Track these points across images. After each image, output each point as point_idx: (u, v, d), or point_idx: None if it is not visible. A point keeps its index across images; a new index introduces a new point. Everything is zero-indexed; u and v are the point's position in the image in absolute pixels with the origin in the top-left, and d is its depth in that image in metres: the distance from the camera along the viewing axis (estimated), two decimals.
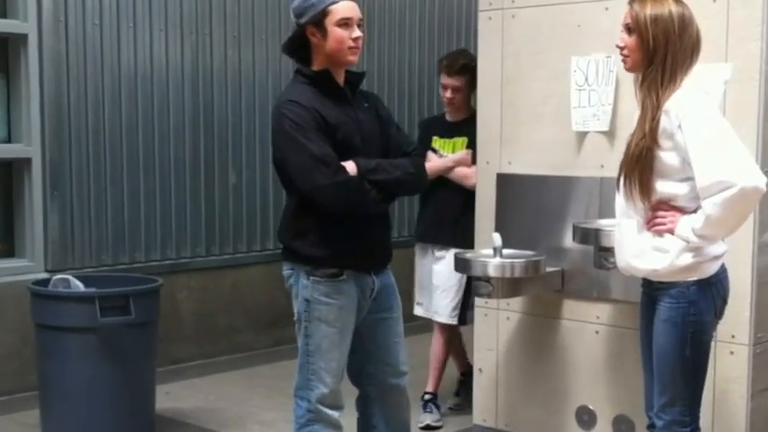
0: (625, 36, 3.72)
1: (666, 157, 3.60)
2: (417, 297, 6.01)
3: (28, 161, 6.44)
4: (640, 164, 3.63)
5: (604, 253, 4.41)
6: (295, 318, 4.19)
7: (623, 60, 3.76)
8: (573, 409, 4.85)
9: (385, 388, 4.34)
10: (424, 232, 5.94)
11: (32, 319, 5.52)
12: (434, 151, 5.76)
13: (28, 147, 6.44)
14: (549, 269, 4.68)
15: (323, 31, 4.03)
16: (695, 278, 3.65)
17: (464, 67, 5.62)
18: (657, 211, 3.68)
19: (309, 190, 3.96)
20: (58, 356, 5.37)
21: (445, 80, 5.70)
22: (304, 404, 4.16)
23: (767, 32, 4.20)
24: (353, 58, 4.11)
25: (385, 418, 4.36)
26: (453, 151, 5.70)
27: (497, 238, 4.56)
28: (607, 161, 4.64)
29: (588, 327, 4.78)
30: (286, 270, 4.19)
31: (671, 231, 3.64)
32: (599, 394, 4.78)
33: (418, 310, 6.00)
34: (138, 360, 5.51)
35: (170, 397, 6.30)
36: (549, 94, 4.70)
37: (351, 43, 4.06)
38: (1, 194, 6.57)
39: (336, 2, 4.03)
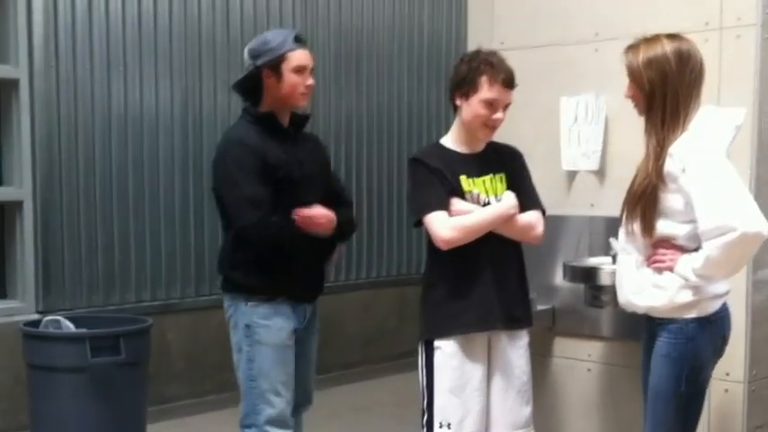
0: (629, 85, 3.65)
1: (670, 199, 3.53)
2: (441, 415, 4.10)
3: (19, 204, 6.40)
4: (642, 201, 3.56)
5: (595, 291, 4.31)
6: (234, 348, 4.24)
7: (635, 108, 3.69)
8: None
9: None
10: (485, 315, 4.07)
11: (24, 360, 5.43)
12: (463, 196, 4.06)
13: (19, 189, 6.41)
14: (540, 307, 4.57)
15: (278, 75, 4.14)
16: (694, 315, 3.55)
17: (514, 74, 4.11)
18: (658, 249, 3.59)
19: (238, 227, 4.08)
20: (49, 396, 5.28)
21: (502, 95, 4.02)
22: (252, 430, 4.20)
23: (760, 69, 4.13)
24: (304, 103, 4.25)
25: None
26: (495, 195, 4.10)
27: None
28: (597, 200, 4.56)
29: (580, 364, 4.67)
30: (226, 302, 4.26)
31: (670, 269, 3.55)
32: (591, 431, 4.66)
33: None
34: (128, 399, 5.41)
35: None
36: (540, 133, 4.63)
37: (303, 89, 4.18)
38: None
39: (294, 49, 4.16)
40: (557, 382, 4.72)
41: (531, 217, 4.11)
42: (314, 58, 4.27)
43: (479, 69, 4.01)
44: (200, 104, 7.12)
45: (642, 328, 3.83)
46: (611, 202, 4.43)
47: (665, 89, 3.53)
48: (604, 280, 4.21)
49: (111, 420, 5.30)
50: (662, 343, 3.62)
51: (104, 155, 6.69)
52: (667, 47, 3.55)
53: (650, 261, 3.62)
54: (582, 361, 4.66)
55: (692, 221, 3.49)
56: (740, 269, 3.57)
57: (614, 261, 4.22)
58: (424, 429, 4.16)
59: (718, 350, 3.67)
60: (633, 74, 3.60)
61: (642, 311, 3.71)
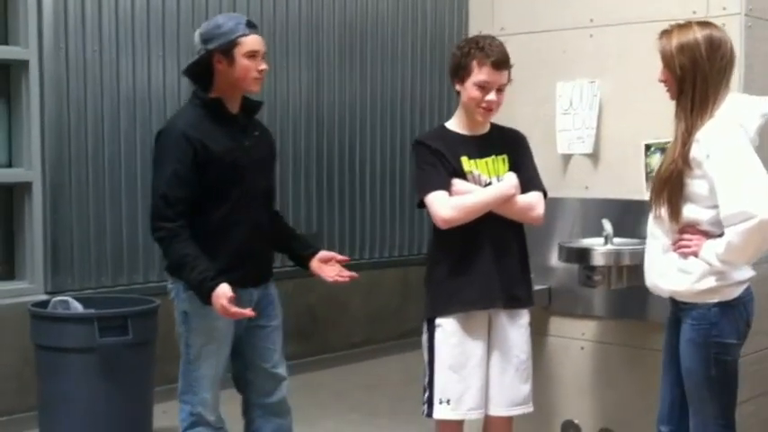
0: (662, 69, 3.74)
1: (695, 184, 3.62)
2: (441, 392, 4.25)
3: (29, 185, 6.47)
4: (669, 186, 3.66)
5: (588, 271, 4.43)
6: (176, 329, 4.34)
7: (667, 92, 3.78)
8: (559, 423, 4.86)
9: (263, 393, 4.46)
10: (485, 294, 4.19)
11: (32, 340, 5.53)
12: (464, 177, 4.19)
13: (29, 171, 6.47)
14: (536, 287, 4.66)
15: (230, 60, 4.17)
16: (716, 300, 3.65)
17: (507, 56, 4.20)
18: (683, 234, 3.70)
19: (150, 216, 4.17)
20: (57, 376, 5.38)
21: (492, 76, 4.13)
22: (187, 408, 4.34)
23: (744, 57, 4.23)
24: (256, 88, 4.26)
25: (266, 421, 4.49)
26: (497, 176, 4.22)
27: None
28: (591, 182, 4.70)
29: (574, 343, 4.81)
30: (169, 285, 4.32)
31: (695, 254, 3.65)
32: (584, 408, 4.79)
33: (443, 412, 4.25)
34: (135, 379, 5.53)
35: (167, 415, 6.22)
36: (536, 117, 4.74)
37: (256, 74, 4.21)
38: (2, 217, 6.58)
39: (247, 34, 4.18)
40: (552, 359, 4.85)
41: (532, 198, 4.21)
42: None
43: (470, 54, 4.14)
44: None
45: (661, 309, 3.98)
46: (604, 184, 4.63)
47: (695, 75, 3.62)
48: (597, 260, 4.35)
49: (118, 400, 5.41)
50: (686, 328, 3.72)
51: (113, 136, 6.75)
52: (699, 33, 3.64)
53: (676, 246, 3.72)
54: (576, 339, 4.79)
55: (716, 206, 3.58)
56: (759, 255, 3.64)
57: (606, 242, 4.36)
58: (425, 406, 4.29)
59: (742, 334, 3.74)
60: (666, 58, 3.68)
61: (666, 295, 3.81)
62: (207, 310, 4.11)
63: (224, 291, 3.99)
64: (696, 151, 3.59)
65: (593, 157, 4.67)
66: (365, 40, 8.30)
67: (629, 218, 4.48)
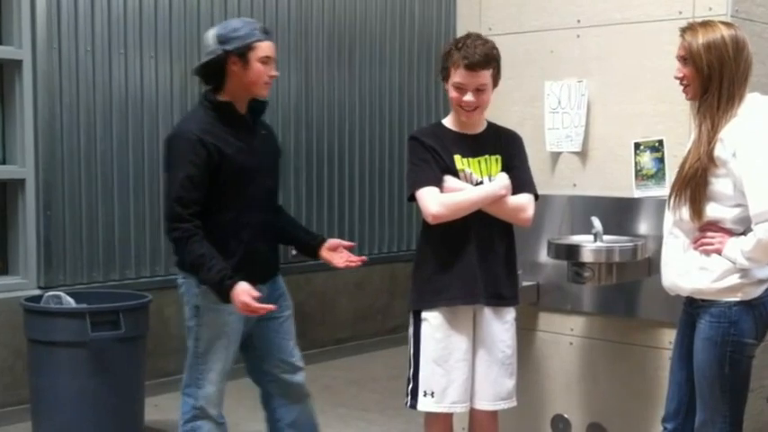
0: (681, 66, 3.68)
1: (719, 183, 3.57)
2: (425, 384, 4.23)
3: (22, 182, 6.48)
4: (692, 184, 3.59)
5: (577, 267, 4.41)
6: (186, 322, 4.30)
7: (684, 90, 3.71)
8: (548, 418, 4.85)
9: (281, 383, 4.47)
10: (469, 290, 4.15)
11: (25, 335, 5.51)
12: (456, 174, 4.16)
13: (22, 168, 6.48)
14: (525, 283, 4.67)
15: (245, 63, 4.18)
16: (738, 299, 3.59)
17: (487, 56, 4.09)
18: (706, 232, 3.63)
19: (165, 218, 4.17)
20: (49, 370, 5.37)
21: (465, 78, 4.07)
22: (190, 401, 4.31)
23: None
24: (265, 92, 4.30)
25: (288, 409, 4.50)
26: (489, 175, 4.19)
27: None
28: (579, 180, 4.68)
29: (563, 338, 4.79)
30: (179, 279, 4.31)
31: (719, 252, 3.59)
32: (573, 403, 4.77)
33: (427, 405, 4.23)
34: (127, 373, 5.52)
35: (159, 409, 6.27)
36: (525, 116, 4.73)
37: (267, 79, 4.24)
38: None
39: (262, 40, 4.20)
40: (541, 355, 4.84)
41: (522, 200, 4.18)
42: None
43: (449, 54, 4.14)
44: (198, 85, 7.12)
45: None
46: (592, 182, 4.62)
47: (722, 74, 3.56)
48: (586, 257, 4.33)
49: (110, 393, 5.40)
50: (704, 326, 3.65)
51: (105, 134, 6.75)
52: (725, 32, 3.58)
53: (698, 244, 3.65)
54: (565, 335, 4.78)
55: (740, 205, 3.54)
56: None
57: (596, 239, 4.34)
58: (409, 397, 4.28)
59: (761, 335, 3.68)
60: (692, 55, 3.60)
61: (687, 293, 3.74)
62: (220, 305, 4.12)
63: (245, 288, 4.00)
64: (720, 150, 3.53)
65: (582, 155, 4.66)
66: (354, 40, 8.29)
67: (615, 215, 4.48)
